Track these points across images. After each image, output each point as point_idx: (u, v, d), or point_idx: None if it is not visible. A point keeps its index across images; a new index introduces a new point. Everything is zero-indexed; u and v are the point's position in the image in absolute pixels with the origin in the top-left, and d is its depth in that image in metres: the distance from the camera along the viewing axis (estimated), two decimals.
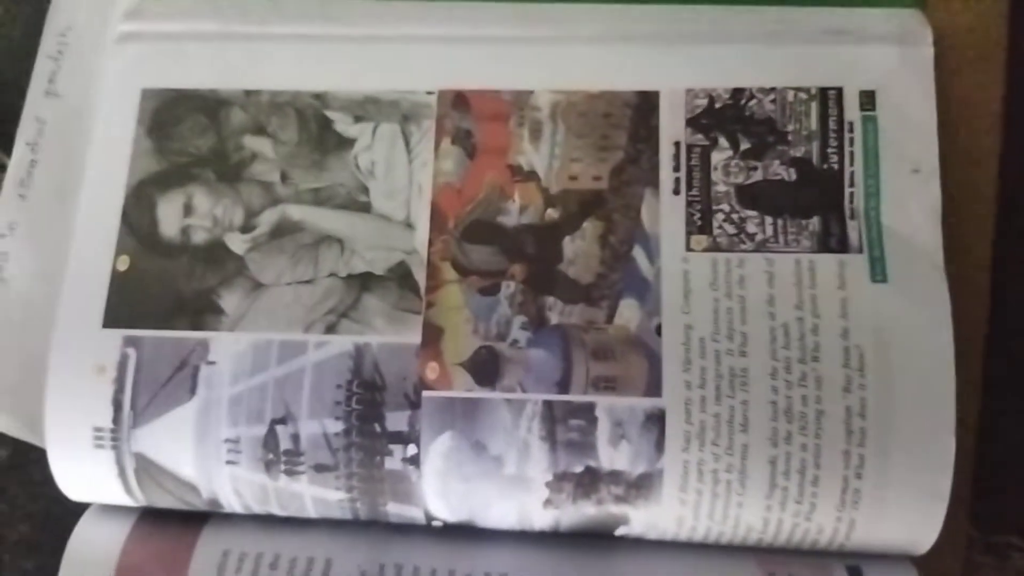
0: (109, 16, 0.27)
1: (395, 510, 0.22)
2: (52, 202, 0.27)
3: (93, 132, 0.25)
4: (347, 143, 0.24)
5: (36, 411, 0.26)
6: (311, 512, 0.23)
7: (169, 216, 0.24)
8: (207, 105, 0.24)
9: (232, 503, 0.23)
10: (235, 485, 0.22)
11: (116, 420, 0.22)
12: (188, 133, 0.24)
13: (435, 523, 0.23)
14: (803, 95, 0.23)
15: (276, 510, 0.23)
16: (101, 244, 0.23)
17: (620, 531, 0.22)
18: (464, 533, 0.23)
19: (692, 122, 0.23)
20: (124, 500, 0.23)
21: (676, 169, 0.23)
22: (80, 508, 0.24)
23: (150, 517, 0.24)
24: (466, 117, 0.24)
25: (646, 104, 0.23)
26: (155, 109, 0.24)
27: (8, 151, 0.27)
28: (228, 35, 0.25)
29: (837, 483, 0.21)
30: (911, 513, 0.21)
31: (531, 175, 0.23)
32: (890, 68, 0.23)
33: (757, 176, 0.23)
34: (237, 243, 0.23)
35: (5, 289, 0.27)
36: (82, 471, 0.23)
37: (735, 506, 0.21)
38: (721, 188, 0.23)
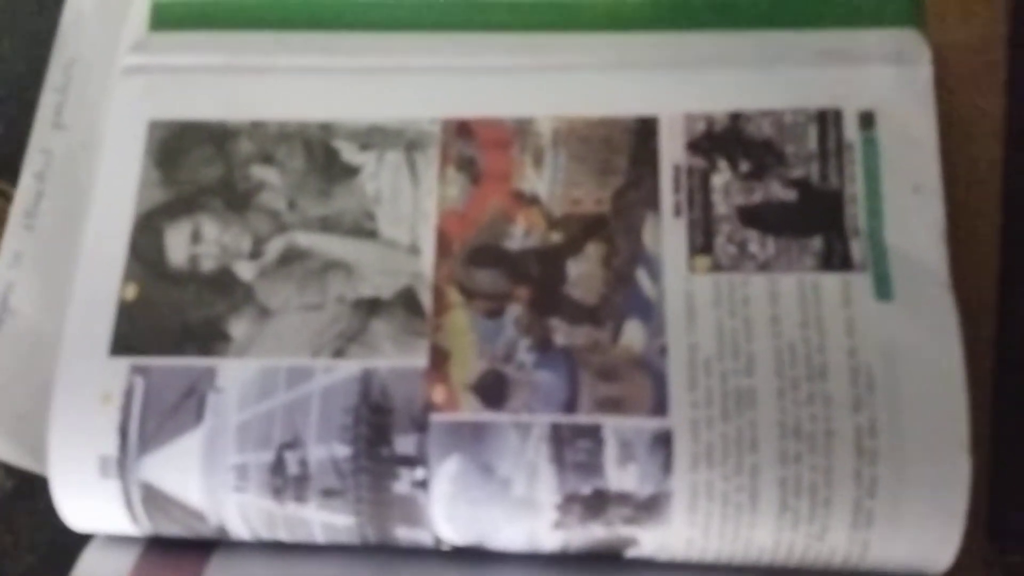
0: (115, 49, 0.27)
1: (404, 534, 0.22)
2: (58, 233, 0.27)
3: (100, 163, 0.25)
4: (353, 171, 0.24)
5: (43, 441, 0.26)
6: (319, 538, 0.23)
7: (177, 244, 0.24)
8: (214, 136, 0.25)
9: (240, 530, 0.23)
10: (243, 512, 0.22)
11: (122, 449, 0.22)
12: (196, 163, 0.24)
13: (444, 547, 0.23)
14: (801, 117, 0.23)
15: (284, 536, 0.23)
16: (108, 273, 0.24)
17: (630, 553, 0.22)
18: (473, 556, 0.23)
19: (691, 146, 0.23)
20: (130, 530, 0.23)
21: (676, 191, 0.23)
22: (86, 538, 0.24)
23: (156, 546, 0.24)
24: (469, 144, 0.24)
25: (645, 129, 0.24)
26: (162, 140, 0.25)
27: (14, 182, 0.28)
28: (234, 68, 0.25)
29: (849, 503, 0.21)
30: (927, 533, 0.21)
31: (534, 200, 0.24)
32: (889, 88, 0.23)
33: (757, 197, 0.23)
34: (245, 270, 0.24)
35: (12, 319, 0.27)
36: (87, 501, 0.23)
37: (746, 527, 0.21)
38: (722, 209, 0.23)
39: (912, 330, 0.22)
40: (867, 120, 0.23)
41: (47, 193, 0.27)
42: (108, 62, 0.27)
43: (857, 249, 0.22)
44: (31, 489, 0.27)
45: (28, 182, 0.27)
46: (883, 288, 0.22)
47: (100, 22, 0.27)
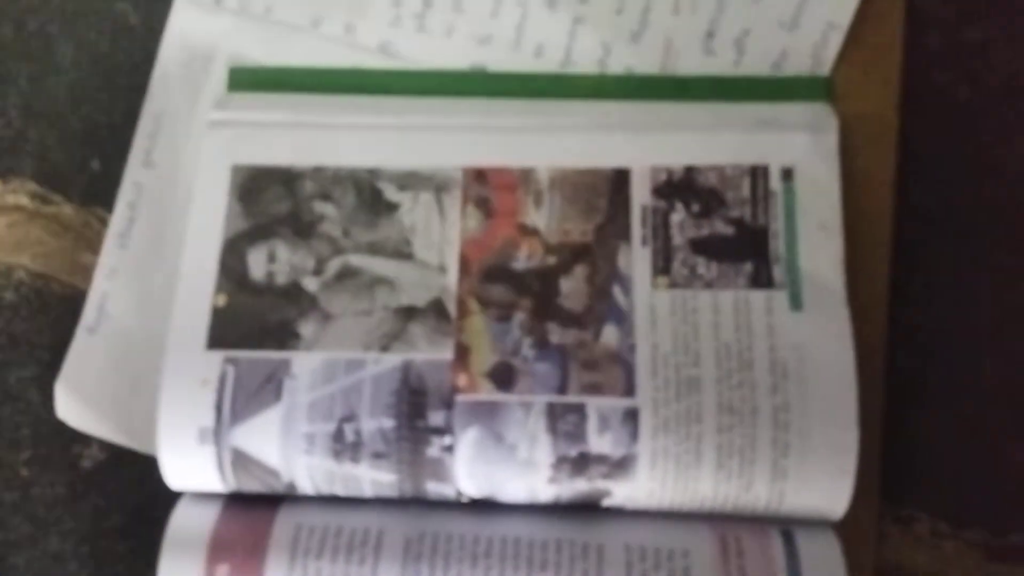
0: (196, 103, 0.32)
1: (433, 488, 0.28)
2: (147, 251, 0.32)
3: (193, 198, 0.30)
4: (394, 207, 0.30)
5: (133, 421, 0.31)
6: (367, 492, 0.28)
7: (257, 263, 0.29)
8: (284, 178, 0.30)
9: (305, 486, 0.28)
10: (309, 471, 0.28)
11: (217, 421, 0.28)
12: (269, 199, 0.30)
13: (463, 498, 0.28)
14: (738, 171, 0.29)
15: (339, 491, 0.28)
16: (203, 285, 0.29)
17: (605, 502, 0.27)
18: (486, 506, 0.28)
19: (656, 191, 0.29)
20: (218, 487, 0.28)
21: (644, 226, 0.29)
22: (164, 500, 0.28)
23: (234, 501, 0.28)
24: (485, 187, 0.30)
25: (620, 178, 0.29)
26: (243, 181, 0.30)
27: (109, 210, 0.32)
28: (300, 124, 0.30)
29: (768, 462, 0.26)
30: (826, 486, 0.26)
31: (535, 231, 0.29)
32: (804, 150, 0.29)
33: (705, 232, 0.29)
34: (311, 284, 0.29)
35: (108, 321, 0.32)
36: (187, 463, 0.28)
37: (692, 480, 0.27)
38: (678, 240, 0.29)
39: (816, 333, 0.27)
40: (787, 174, 0.29)
41: (137, 219, 0.32)
42: (189, 114, 0.32)
43: (778, 272, 0.28)
44: (120, 461, 0.32)
45: (122, 209, 0.32)
46: (796, 301, 0.28)
47: (183, 81, 0.32)
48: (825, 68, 0.31)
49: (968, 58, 0.32)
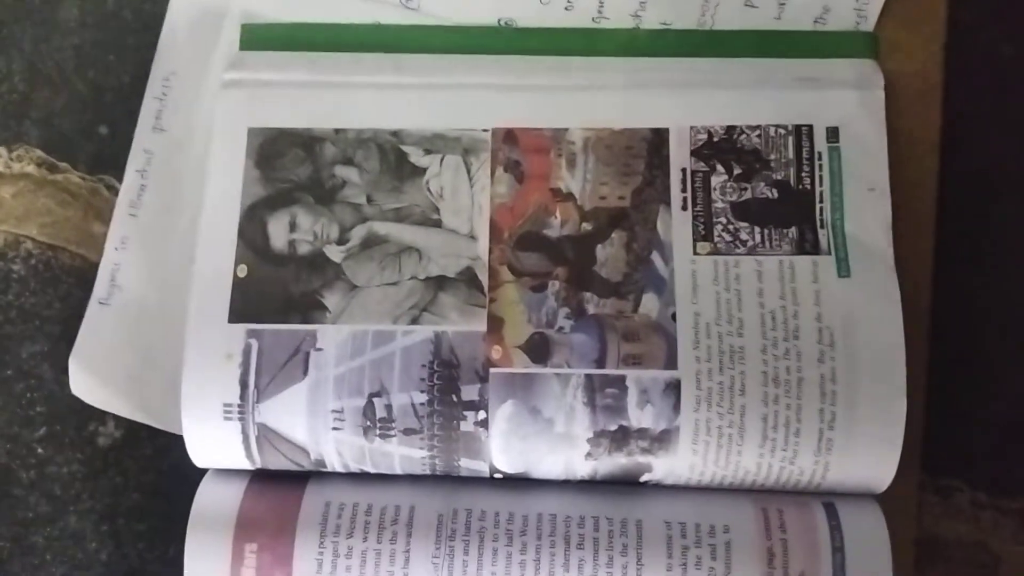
0: (206, 63, 0.31)
1: (466, 464, 0.27)
2: (159, 219, 0.31)
3: (208, 163, 0.29)
4: (420, 171, 0.29)
5: (150, 396, 0.30)
6: (397, 469, 0.27)
7: (278, 232, 0.28)
8: (304, 141, 0.29)
9: (334, 463, 0.27)
10: (338, 447, 0.27)
11: (243, 397, 0.27)
12: (289, 164, 0.29)
13: (496, 475, 0.27)
14: (782, 131, 0.28)
15: (369, 468, 0.27)
16: (223, 256, 0.28)
17: (645, 477, 0.27)
18: (519, 482, 0.28)
19: (695, 153, 0.28)
20: (243, 464, 0.28)
21: (684, 190, 0.28)
22: (183, 477, 0.28)
23: (260, 478, 0.28)
24: (515, 150, 0.29)
25: (658, 139, 0.29)
26: (260, 144, 0.29)
27: (119, 177, 0.31)
28: (319, 83, 0.29)
29: (814, 434, 0.26)
30: (872, 457, 0.26)
31: (569, 196, 0.28)
32: (850, 108, 0.28)
33: (747, 195, 0.28)
34: (335, 253, 0.28)
35: (120, 293, 0.31)
36: (211, 440, 0.27)
37: (735, 454, 0.26)
38: (719, 205, 0.28)
39: (864, 301, 0.27)
40: (833, 134, 0.28)
41: (148, 186, 0.31)
42: (200, 74, 0.31)
43: (824, 237, 0.28)
44: (137, 439, 0.31)
45: (132, 177, 0.31)
46: (843, 268, 0.27)
47: (193, 40, 0.31)
48: (869, 24, 0.30)
49: (1013, 16, 0.31)
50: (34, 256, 0.32)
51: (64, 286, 0.32)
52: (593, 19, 0.30)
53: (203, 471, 0.28)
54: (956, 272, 0.30)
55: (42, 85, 0.32)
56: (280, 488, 0.28)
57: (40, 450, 0.31)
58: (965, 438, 0.30)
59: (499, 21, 0.30)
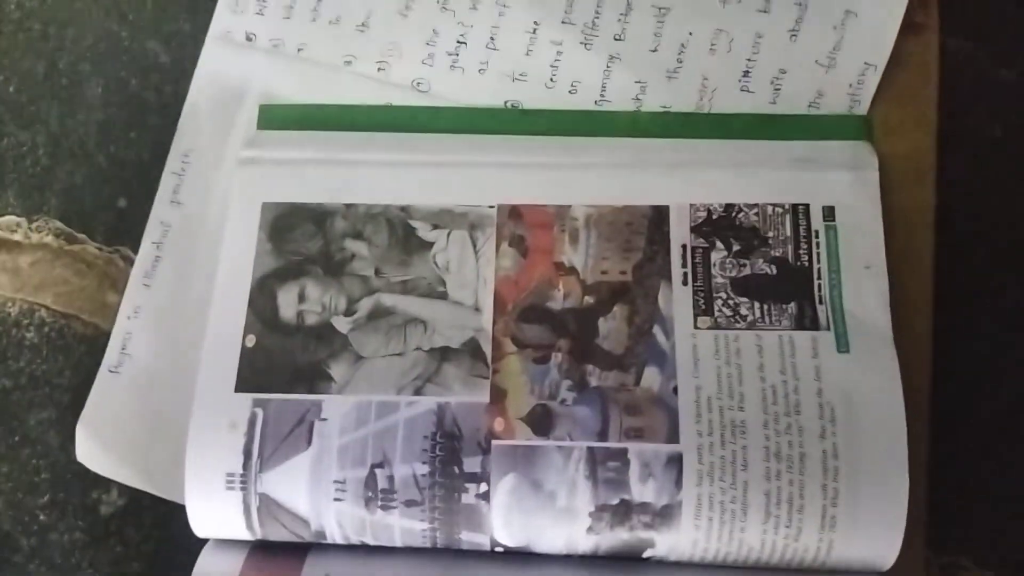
0: (225, 142, 0.32)
1: (467, 538, 0.27)
2: (171, 290, 0.31)
3: (222, 237, 0.30)
4: (427, 245, 0.30)
5: (154, 465, 0.30)
6: (397, 541, 0.27)
7: (287, 303, 0.29)
8: (315, 215, 0.30)
9: (335, 534, 0.27)
10: (339, 518, 0.27)
11: (245, 466, 0.27)
12: (300, 237, 0.30)
13: (498, 548, 0.27)
14: (779, 209, 0.29)
15: (370, 540, 0.27)
16: (232, 326, 0.28)
17: (647, 553, 0.27)
18: (520, 556, 0.27)
19: (695, 229, 0.29)
20: (243, 534, 0.27)
21: (684, 266, 0.29)
22: (184, 547, 0.28)
23: (260, 549, 0.28)
24: (520, 225, 0.30)
25: (659, 216, 0.29)
26: (274, 218, 0.30)
27: (135, 248, 0.32)
28: (331, 161, 0.30)
29: (818, 510, 0.26)
30: (876, 534, 0.26)
31: (572, 270, 0.29)
32: (846, 188, 0.29)
33: (746, 271, 0.28)
34: (342, 324, 0.29)
35: (130, 362, 0.31)
36: (213, 509, 0.27)
37: (738, 530, 0.26)
38: (719, 280, 0.28)
39: (864, 376, 0.27)
40: (829, 213, 0.29)
41: (163, 257, 0.32)
42: (219, 151, 0.32)
43: (822, 313, 0.28)
44: (139, 508, 0.31)
45: (147, 248, 0.32)
46: (842, 343, 0.27)
47: (213, 120, 0.32)
48: (863, 107, 0.31)
49: (1000, 99, 0.32)
50: (47, 324, 0.32)
51: (76, 354, 0.32)
52: (596, 102, 0.31)
53: (204, 542, 0.28)
54: (956, 347, 0.30)
55: (65, 159, 0.34)
56: (279, 560, 0.28)
57: (43, 517, 0.31)
58: (970, 515, 0.30)
59: (505, 103, 0.32)
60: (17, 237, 0.33)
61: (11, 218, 0.33)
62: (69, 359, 0.32)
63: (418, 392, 0.28)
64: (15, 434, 0.32)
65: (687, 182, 0.29)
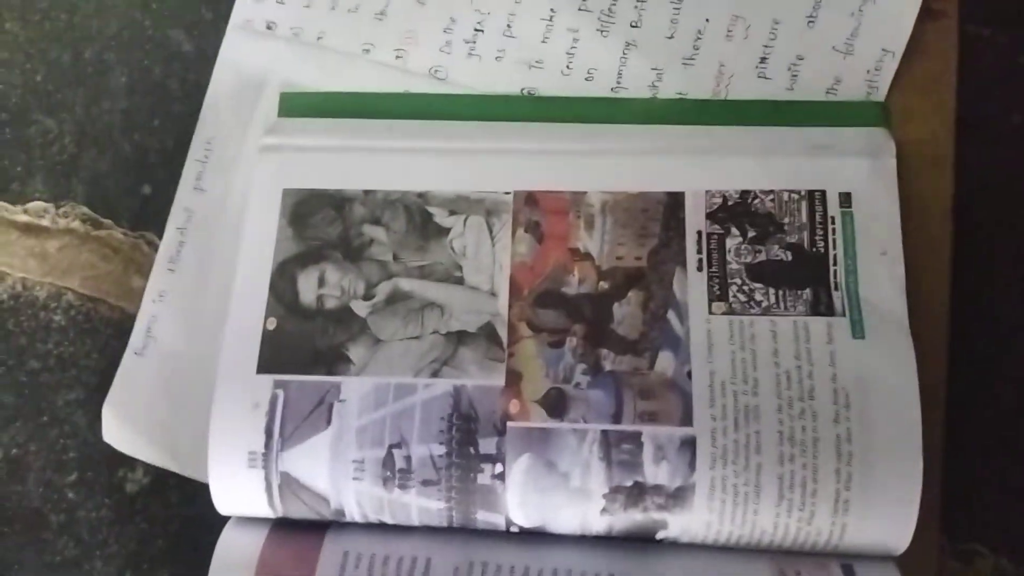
0: (246, 129, 0.33)
1: (483, 517, 0.27)
2: (195, 274, 0.32)
3: (244, 222, 0.30)
4: (444, 231, 0.30)
5: (178, 444, 0.31)
6: (415, 520, 0.28)
7: (307, 287, 0.29)
8: (334, 201, 0.30)
9: (354, 512, 0.28)
10: (358, 497, 0.27)
11: (267, 446, 0.27)
12: (320, 223, 0.30)
13: (513, 528, 0.27)
14: (795, 196, 0.29)
15: (387, 518, 0.28)
16: (254, 309, 0.29)
17: (660, 534, 0.27)
18: (536, 537, 0.28)
19: (710, 216, 0.29)
20: (265, 512, 0.28)
21: (699, 252, 0.29)
22: (208, 525, 0.28)
23: (280, 527, 0.28)
24: (535, 211, 0.30)
25: (674, 202, 0.29)
26: (294, 204, 0.30)
27: (159, 234, 0.33)
28: (351, 148, 0.31)
29: (831, 494, 0.26)
30: (889, 518, 0.26)
31: (587, 256, 0.29)
32: (862, 174, 0.29)
33: (761, 257, 0.29)
34: (360, 308, 0.29)
35: (155, 344, 0.32)
36: (235, 487, 0.28)
37: (751, 513, 0.26)
38: (734, 266, 0.29)
39: (879, 362, 0.27)
40: (845, 199, 0.29)
41: (187, 243, 0.32)
42: (241, 138, 0.33)
43: (838, 299, 0.28)
44: (164, 486, 0.32)
45: (172, 233, 0.33)
46: (857, 329, 0.27)
47: (234, 108, 0.33)
48: (880, 93, 0.31)
49: (1021, 85, 0.31)
50: (75, 307, 0.33)
51: (102, 337, 0.33)
52: (612, 89, 0.31)
53: (226, 519, 0.29)
54: (972, 334, 0.30)
55: (90, 146, 0.34)
56: (300, 537, 0.28)
57: (71, 495, 0.32)
58: (987, 503, 0.30)
59: (522, 90, 0.32)
60: (45, 222, 0.34)
61: (39, 204, 0.34)
62: (96, 342, 0.33)
63: (435, 375, 0.28)
64: (44, 414, 0.33)
65: (703, 168, 0.30)
